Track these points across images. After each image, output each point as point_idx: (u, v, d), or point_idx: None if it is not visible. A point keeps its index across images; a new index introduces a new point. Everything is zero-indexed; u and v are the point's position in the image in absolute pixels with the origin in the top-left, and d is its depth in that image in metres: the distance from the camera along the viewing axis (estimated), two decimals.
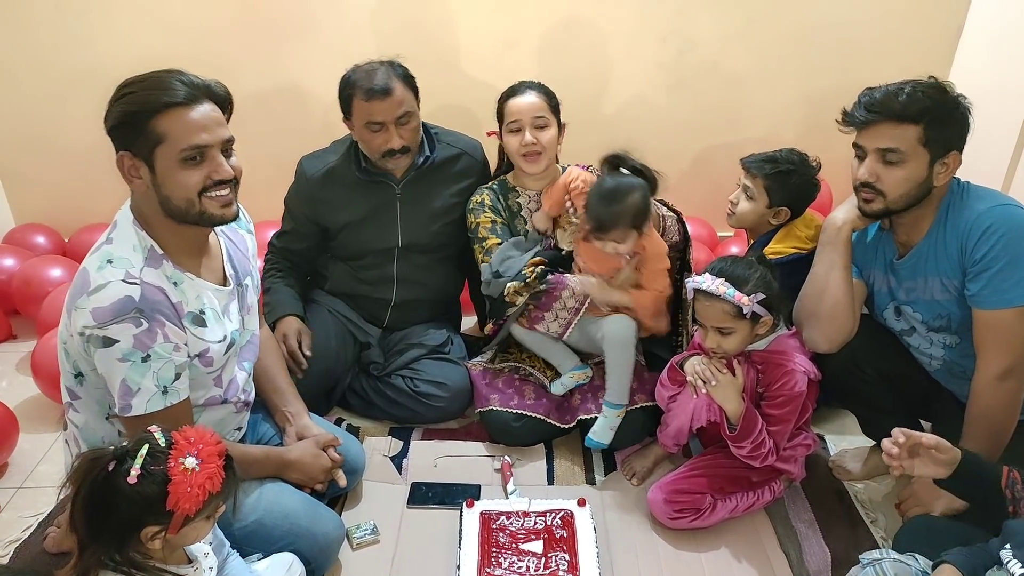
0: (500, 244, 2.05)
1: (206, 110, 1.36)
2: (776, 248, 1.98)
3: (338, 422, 2.17)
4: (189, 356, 1.44)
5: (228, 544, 1.44)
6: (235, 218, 1.47)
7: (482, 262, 2.06)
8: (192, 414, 1.48)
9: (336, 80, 2.00)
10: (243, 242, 1.66)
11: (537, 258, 1.99)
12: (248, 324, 1.63)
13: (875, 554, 1.38)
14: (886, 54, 2.81)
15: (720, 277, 1.65)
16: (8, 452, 2.01)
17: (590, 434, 1.98)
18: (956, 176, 1.61)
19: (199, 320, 1.45)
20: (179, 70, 1.39)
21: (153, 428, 1.21)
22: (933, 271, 1.64)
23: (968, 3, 2.77)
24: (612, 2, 2.75)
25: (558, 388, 2.05)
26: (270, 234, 2.57)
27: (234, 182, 1.43)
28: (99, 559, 1.18)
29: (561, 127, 2.05)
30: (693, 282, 1.68)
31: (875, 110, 1.54)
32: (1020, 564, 1.18)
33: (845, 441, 2.11)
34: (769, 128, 2.96)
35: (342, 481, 1.74)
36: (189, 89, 1.35)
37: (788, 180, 1.97)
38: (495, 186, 2.14)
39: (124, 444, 1.19)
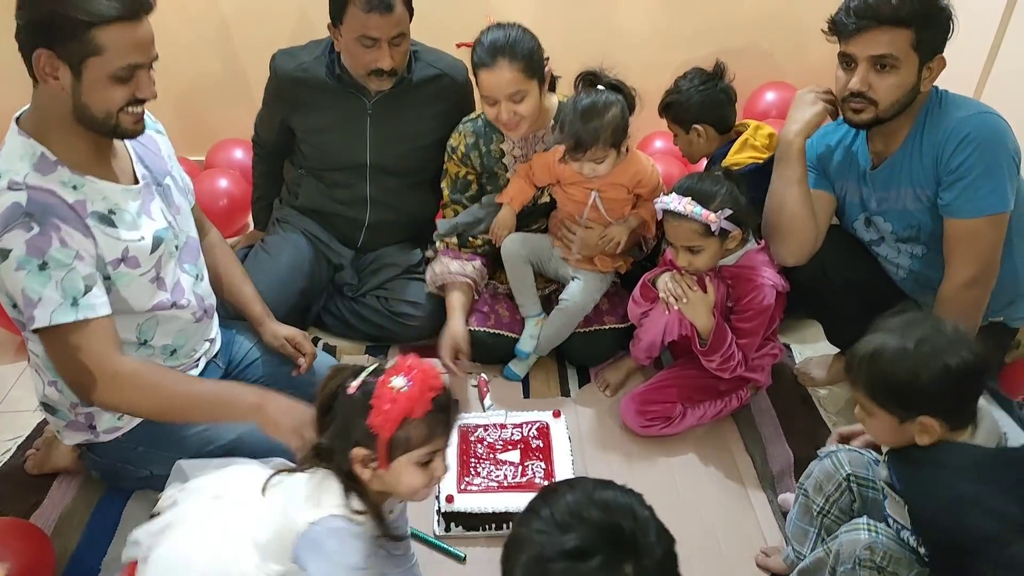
0: (454, 199, 2.06)
1: (147, 26, 1.28)
2: (733, 159, 1.98)
3: (314, 341, 2.15)
4: (109, 264, 1.37)
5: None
6: (142, 132, 1.41)
7: (443, 201, 2.09)
8: (116, 334, 1.38)
9: None
10: (153, 142, 1.57)
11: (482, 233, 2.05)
12: (181, 225, 1.56)
13: (831, 447, 1.46)
14: None
15: (687, 196, 1.65)
16: None
17: (509, 365, 2.07)
18: (935, 85, 1.60)
19: (108, 220, 1.38)
20: None
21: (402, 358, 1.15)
22: (907, 181, 1.65)
23: None
24: None
25: (527, 344, 2.04)
26: (236, 153, 2.50)
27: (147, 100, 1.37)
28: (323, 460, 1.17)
29: (544, 79, 1.87)
30: (661, 202, 1.69)
31: (866, 15, 1.50)
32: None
33: (810, 349, 2.18)
34: (751, 37, 2.91)
35: (301, 363, 1.75)
36: (131, 2, 1.25)
37: (684, 106, 1.99)
38: (481, 124, 2.00)
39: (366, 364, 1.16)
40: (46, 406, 1.55)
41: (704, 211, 1.63)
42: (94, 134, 1.35)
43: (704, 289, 1.72)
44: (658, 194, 1.87)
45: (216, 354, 1.71)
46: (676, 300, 1.72)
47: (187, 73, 2.83)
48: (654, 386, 1.89)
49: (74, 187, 1.34)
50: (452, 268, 2.05)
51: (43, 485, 1.72)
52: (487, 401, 1.97)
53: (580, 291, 1.98)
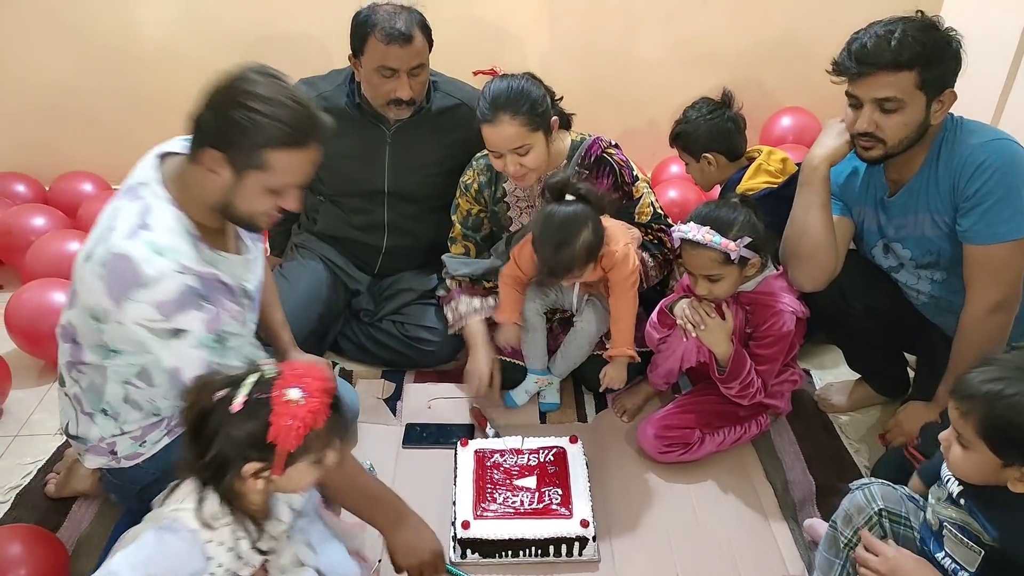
0: (464, 234, 2.07)
1: (313, 153, 1.34)
2: (748, 185, 2.00)
3: (331, 366, 2.18)
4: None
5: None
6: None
7: (450, 234, 2.10)
8: None
9: (328, 21, 1.93)
10: None
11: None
12: (256, 269, 1.59)
13: (864, 480, 1.43)
14: None
15: (705, 224, 1.63)
16: (2, 399, 2.02)
17: (541, 399, 2.05)
18: (950, 112, 1.59)
19: (245, 292, 1.46)
20: (294, 87, 1.32)
21: (264, 362, 1.17)
22: (924, 207, 1.63)
23: None
24: None
25: (521, 397, 2.03)
26: None
27: None
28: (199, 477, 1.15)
29: (549, 130, 1.82)
30: (679, 231, 1.67)
31: (867, 61, 1.50)
32: (958, 482, 1.23)
33: (830, 375, 2.15)
34: (767, 63, 2.92)
35: None
36: (308, 129, 1.31)
37: (692, 135, 2.04)
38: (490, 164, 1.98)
39: (234, 374, 1.14)
40: (71, 435, 1.56)
41: (723, 240, 1.61)
42: (225, 218, 1.41)
43: (722, 316, 1.70)
44: (624, 270, 1.82)
45: None
46: (694, 327, 1.70)
47: None
48: (672, 411, 1.87)
49: (212, 263, 1.38)
50: (475, 305, 2.06)
51: (63, 508, 1.73)
52: (490, 429, 1.96)
53: (593, 312, 1.97)
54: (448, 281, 2.10)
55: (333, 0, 2.17)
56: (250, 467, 1.12)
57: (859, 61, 1.51)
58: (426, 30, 1.92)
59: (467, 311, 2.06)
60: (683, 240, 1.67)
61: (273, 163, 1.30)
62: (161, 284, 1.27)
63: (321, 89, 2.07)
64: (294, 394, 1.09)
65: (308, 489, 1.22)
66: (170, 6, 2.67)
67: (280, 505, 1.28)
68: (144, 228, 1.31)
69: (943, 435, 1.22)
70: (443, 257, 2.10)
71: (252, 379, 1.12)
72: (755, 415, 1.87)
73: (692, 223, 1.65)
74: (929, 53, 1.47)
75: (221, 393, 1.11)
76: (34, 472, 1.83)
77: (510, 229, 2.04)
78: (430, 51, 1.95)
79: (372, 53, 1.88)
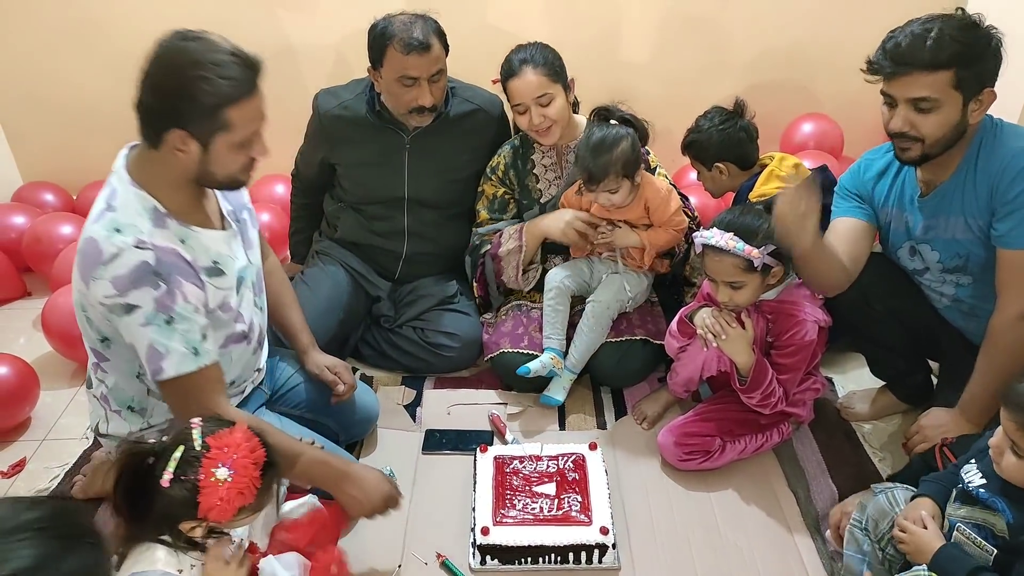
0: (489, 219, 2.11)
1: (262, 95, 1.37)
2: (761, 191, 1.99)
3: (351, 370, 2.19)
4: (208, 311, 1.44)
5: None
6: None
7: (477, 217, 2.14)
8: (223, 378, 1.49)
9: (344, 32, 1.96)
10: None
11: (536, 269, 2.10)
12: (253, 259, 1.63)
13: (887, 484, 1.43)
14: None
15: (728, 231, 1.62)
16: (31, 407, 2.05)
17: (545, 392, 2.04)
18: (989, 113, 1.56)
19: (215, 271, 1.46)
20: (223, 40, 1.34)
21: (195, 423, 1.20)
22: (958, 210, 1.60)
23: None
24: None
25: (535, 366, 2.01)
26: (277, 188, 2.58)
27: None
28: (142, 537, 1.20)
29: (568, 87, 1.99)
30: (701, 237, 1.66)
31: (902, 61, 1.47)
32: (981, 475, 1.24)
33: (853, 383, 2.13)
34: (788, 69, 2.91)
35: (338, 388, 1.78)
36: (251, 73, 1.34)
37: (704, 144, 2.05)
38: (517, 141, 2.11)
39: (164, 440, 1.19)
40: (101, 434, 1.61)
41: (747, 247, 1.60)
42: (207, 187, 1.44)
43: (742, 325, 1.69)
44: (666, 213, 1.93)
45: (262, 381, 1.74)
46: (715, 337, 1.68)
47: None
48: (692, 419, 1.85)
49: (182, 240, 1.41)
50: (514, 237, 2.08)
51: (91, 508, 1.75)
52: (509, 435, 1.96)
53: (604, 289, 2.00)
54: (483, 231, 2.14)
55: (351, 10, 2.20)
56: (185, 525, 1.18)
57: (894, 60, 1.48)
58: (442, 37, 1.94)
59: (515, 240, 2.07)
60: (705, 246, 1.66)
61: (234, 119, 1.33)
62: (118, 259, 1.32)
63: (342, 98, 2.10)
64: (221, 474, 1.15)
65: (251, 523, 1.29)
66: (194, 16, 2.69)
67: None
68: (109, 210, 1.37)
69: (993, 441, 1.22)
70: (475, 233, 2.17)
71: (178, 453, 1.16)
72: (777, 423, 1.85)
73: (715, 229, 1.64)
74: (967, 52, 1.44)
75: (150, 460, 1.17)
76: (61, 475, 1.87)
77: (540, 201, 2.09)
78: (447, 56, 1.97)
79: (392, 64, 1.90)
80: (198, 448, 1.17)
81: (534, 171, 2.07)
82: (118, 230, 1.34)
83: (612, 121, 1.89)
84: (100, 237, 1.34)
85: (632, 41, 2.89)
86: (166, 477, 1.14)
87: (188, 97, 1.29)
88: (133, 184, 1.39)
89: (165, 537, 1.20)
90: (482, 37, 2.75)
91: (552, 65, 1.93)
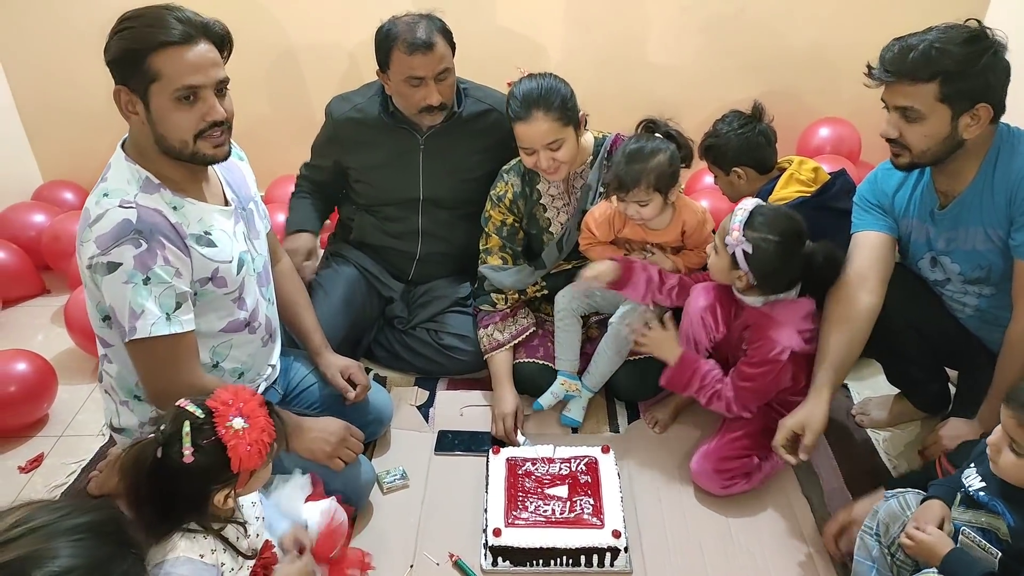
0: (501, 246, 2.05)
1: (202, 50, 1.36)
2: (781, 195, 1.98)
3: (364, 369, 2.20)
4: (198, 282, 1.45)
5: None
6: (226, 158, 1.48)
7: (483, 244, 2.09)
8: (198, 351, 1.48)
9: (358, 32, 1.97)
10: (237, 169, 1.65)
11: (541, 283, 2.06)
12: (259, 249, 1.64)
13: (899, 489, 1.42)
14: None
15: (748, 208, 1.63)
16: (49, 403, 2.08)
17: (564, 412, 2.01)
18: (1006, 123, 1.55)
19: (206, 241, 1.46)
20: (178, 6, 1.38)
21: (184, 402, 1.20)
22: (976, 221, 1.59)
23: None
24: None
25: (548, 400, 2.01)
26: (291, 188, 2.58)
27: (226, 124, 1.44)
28: (165, 533, 1.20)
29: (579, 126, 1.89)
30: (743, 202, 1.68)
31: (888, 69, 1.49)
32: (980, 478, 1.24)
33: (868, 389, 2.11)
34: (805, 73, 2.89)
35: (350, 395, 1.78)
36: (185, 27, 1.34)
37: (723, 149, 2.03)
38: (522, 168, 2.00)
39: (162, 429, 1.18)
40: (115, 429, 1.62)
41: (738, 224, 1.61)
42: (184, 163, 1.44)
43: (664, 326, 1.81)
44: (702, 236, 1.90)
45: (275, 380, 1.75)
46: (638, 343, 1.81)
47: (246, 114, 2.93)
48: (724, 441, 1.78)
49: (174, 208, 1.42)
50: (505, 337, 2.06)
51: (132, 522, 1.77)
52: (520, 436, 1.95)
53: (630, 313, 1.95)
54: (496, 297, 2.08)
55: (360, 11, 2.20)
56: (220, 495, 1.20)
57: (883, 68, 1.51)
58: (447, 34, 1.94)
59: (505, 339, 2.06)
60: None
61: (161, 67, 1.33)
62: (103, 219, 1.35)
63: (355, 102, 2.11)
64: (237, 423, 1.17)
65: (263, 484, 1.32)
66: (212, 15, 2.75)
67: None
68: (102, 181, 1.41)
69: (991, 439, 1.23)
70: (482, 270, 2.10)
71: (187, 428, 1.16)
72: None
73: (756, 200, 1.67)
74: (954, 67, 1.43)
75: (159, 452, 1.17)
76: (78, 471, 1.89)
77: (549, 230, 2.05)
78: (453, 54, 1.97)
79: (398, 65, 1.91)
80: (201, 416, 1.18)
81: (541, 201, 2.02)
82: (106, 194, 1.38)
83: (656, 135, 1.83)
84: (90, 204, 1.39)
85: (648, 43, 2.89)
86: (187, 453, 1.14)
87: (118, 49, 1.34)
88: (127, 159, 1.43)
89: (191, 525, 1.20)
90: (496, 38, 2.78)
91: (564, 108, 1.80)
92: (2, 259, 2.57)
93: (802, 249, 1.64)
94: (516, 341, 2.07)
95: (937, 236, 1.67)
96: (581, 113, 1.88)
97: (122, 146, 1.46)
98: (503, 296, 2.07)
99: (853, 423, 1.99)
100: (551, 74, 1.86)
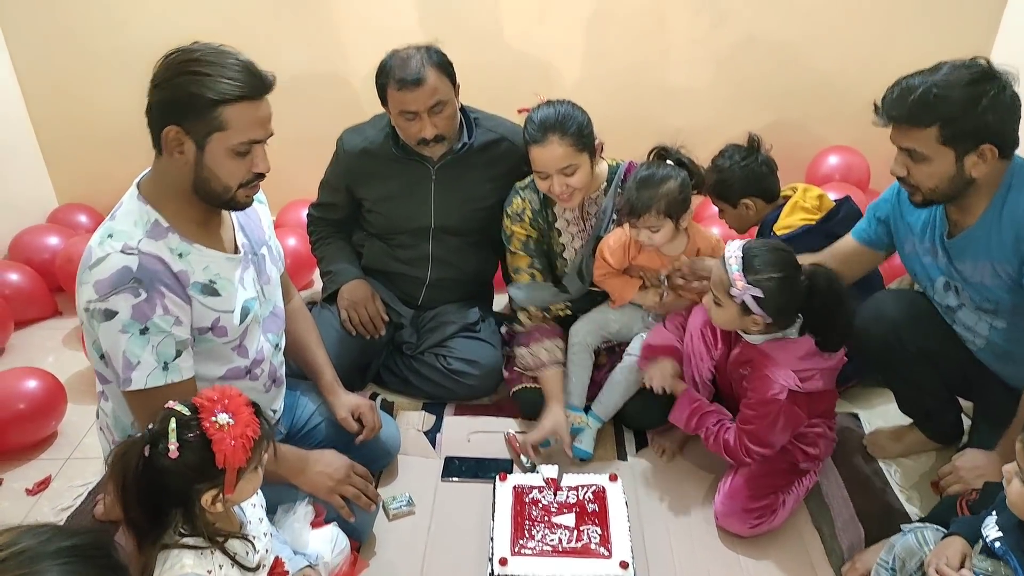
0: (530, 262, 2.03)
1: (267, 105, 1.38)
2: (785, 223, 1.99)
3: (372, 397, 2.21)
4: (196, 330, 1.43)
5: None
6: (251, 205, 1.49)
7: (510, 263, 2.07)
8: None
9: (369, 59, 2.00)
10: (254, 213, 1.64)
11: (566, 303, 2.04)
12: (268, 295, 1.62)
13: (916, 523, 1.40)
14: (927, 19, 2.73)
15: (741, 252, 1.61)
16: (58, 420, 2.08)
17: (575, 443, 1.97)
18: (1021, 156, 1.54)
19: (209, 290, 1.44)
20: (236, 51, 1.38)
21: (172, 403, 1.21)
22: (985, 255, 1.58)
23: None
24: None
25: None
26: (303, 213, 2.60)
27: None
28: (160, 544, 1.19)
29: (594, 153, 1.89)
30: (729, 243, 1.68)
31: (888, 113, 1.50)
32: (997, 528, 1.22)
33: (880, 418, 2.09)
34: (813, 101, 2.91)
35: (358, 435, 1.77)
36: (256, 81, 1.35)
37: (729, 183, 2.04)
38: (536, 190, 1.99)
39: (150, 428, 1.19)
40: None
41: (738, 273, 1.59)
42: (208, 205, 1.43)
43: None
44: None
45: (278, 420, 1.74)
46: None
47: None
48: (745, 482, 1.74)
49: (180, 255, 1.40)
50: (543, 357, 2.02)
51: (110, 531, 1.76)
52: (524, 457, 1.94)
53: (639, 343, 1.95)
54: (521, 315, 2.07)
55: (369, 39, 2.22)
56: (207, 496, 1.19)
57: (884, 111, 1.51)
58: (444, 67, 1.94)
59: (549, 359, 2.02)
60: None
61: (231, 119, 1.33)
62: (103, 263, 1.33)
63: (366, 135, 2.13)
64: (222, 419, 1.17)
65: (254, 493, 1.31)
66: (228, 42, 2.79)
67: (247, 510, 1.35)
68: (110, 219, 1.39)
69: (1005, 468, 1.20)
70: (508, 290, 2.09)
71: (173, 424, 1.16)
72: (813, 463, 1.80)
73: (739, 243, 1.65)
74: (951, 112, 1.43)
75: (147, 451, 1.16)
76: (84, 494, 1.88)
77: (563, 255, 2.05)
78: (454, 85, 1.99)
79: (392, 100, 1.95)
80: (187, 413, 1.18)
81: (556, 225, 2.03)
82: (110, 235, 1.36)
83: (668, 161, 1.84)
84: (93, 244, 1.36)
85: (661, 72, 2.91)
86: (172, 448, 1.14)
87: (185, 91, 1.31)
88: (140, 198, 1.41)
89: (188, 540, 1.20)
90: (510, 66, 2.81)
91: (580, 135, 1.82)
92: (16, 281, 2.59)
93: (800, 275, 1.63)
94: (556, 357, 2.03)
95: (948, 265, 1.67)
96: (597, 141, 1.89)
97: (137, 184, 1.44)
98: (527, 313, 2.06)
99: (865, 453, 1.97)
100: (569, 101, 1.88)
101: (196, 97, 1.31)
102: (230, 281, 1.48)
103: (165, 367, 1.37)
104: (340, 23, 2.80)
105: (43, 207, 3.10)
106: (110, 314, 1.33)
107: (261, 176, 1.43)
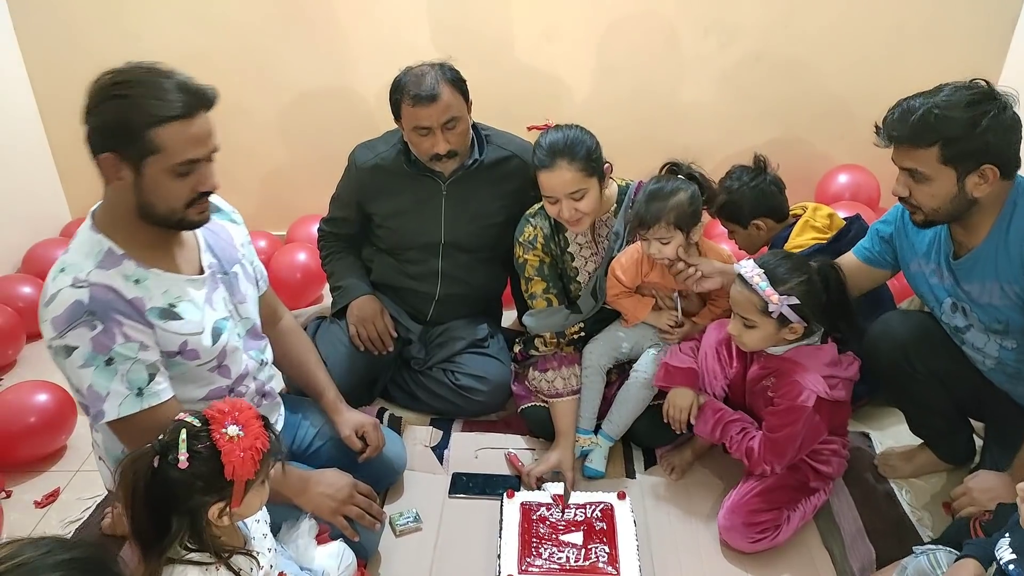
0: (545, 288, 2.00)
1: (202, 122, 1.33)
2: (797, 242, 1.99)
3: (380, 412, 2.21)
4: (165, 355, 1.40)
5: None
6: (207, 221, 1.45)
7: (525, 291, 2.05)
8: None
9: (380, 75, 2.02)
10: (225, 231, 1.60)
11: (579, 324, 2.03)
12: (244, 313, 1.59)
13: (929, 545, 1.38)
14: (937, 41, 2.74)
15: (761, 268, 1.63)
16: (67, 434, 2.09)
17: (587, 463, 1.98)
18: (1023, 176, 1.54)
19: (170, 314, 1.40)
20: (171, 70, 1.33)
21: (183, 415, 1.21)
22: (992, 275, 1.58)
23: None
24: None
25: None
26: (314, 228, 2.63)
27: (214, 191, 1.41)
28: (165, 558, 1.19)
29: (603, 177, 1.88)
30: (738, 265, 1.68)
31: (890, 134, 1.51)
32: (1011, 550, 1.20)
33: (891, 438, 2.07)
34: (824, 119, 2.92)
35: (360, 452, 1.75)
36: (187, 98, 1.30)
37: (739, 204, 2.05)
38: (547, 216, 1.98)
39: (160, 439, 1.19)
40: (111, 492, 1.61)
41: (768, 288, 1.60)
42: (160, 228, 1.39)
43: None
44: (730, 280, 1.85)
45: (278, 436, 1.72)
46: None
47: (271, 156, 3.04)
48: (751, 496, 1.73)
49: (136, 281, 1.37)
50: (559, 386, 2.00)
51: (116, 545, 1.76)
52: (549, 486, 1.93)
53: (653, 362, 1.95)
54: (537, 341, 2.05)
55: (381, 55, 2.24)
56: (214, 509, 1.20)
57: (885, 132, 1.52)
58: (457, 83, 1.96)
59: (565, 388, 2.00)
60: (737, 275, 1.67)
61: (164, 141, 1.28)
62: (56, 300, 1.31)
63: (378, 150, 2.15)
64: (232, 430, 1.18)
65: (262, 507, 1.31)
66: (237, 61, 2.82)
67: (251, 526, 1.35)
68: (65, 252, 1.38)
69: (1019, 486, 1.19)
70: (523, 320, 2.07)
71: (183, 435, 1.17)
72: (823, 483, 1.80)
73: (751, 262, 1.65)
74: (952, 132, 1.44)
75: (156, 462, 1.17)
76: (92, 507, 1.89)
77: (577, 279, 2.04)
78: (467, 101, 2.01)
79: (406, 116, 1.97)
80: (198, 425, 1.19)
81: (568, 249, 2.02)
82: (62, 270, 1.33)
83: (679, 176, 1.84)
84: (48, 279, 1.34)
85: (668, 90, 2.93)
86: (183, 459, 1.15)
87: (113, 116, 1.28)
88: (93, 228, 1.38)
89: (194, 556, 1.20)
90: (520, 83, 2.83)
91: (589, 159, 1.81)
92: (29, 294, 2.61)
93: (816, 274, 1.65)
94: (572, 386, 2.01)
95: (955, 286, 1.66)
96: (606, 164, 1.89)
97: (92, 213, 1.41)
98: (542, 339, 2.05)
99: (876, 473, 1.95)
100: (577, 126, 1.88)
101: (125, 121, 1.27)
102: (193, 303, 1.44)
103: (139, 393, 1.35)
104: (351, 40, 2.83)
105: (57, 221, 3.13)
106: (70, 350, 1.31)
107: (208, 194, 1.39)
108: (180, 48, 2.78)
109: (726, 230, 2.17)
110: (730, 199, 2.05)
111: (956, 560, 1.33)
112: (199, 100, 1.32)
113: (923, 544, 1.49)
